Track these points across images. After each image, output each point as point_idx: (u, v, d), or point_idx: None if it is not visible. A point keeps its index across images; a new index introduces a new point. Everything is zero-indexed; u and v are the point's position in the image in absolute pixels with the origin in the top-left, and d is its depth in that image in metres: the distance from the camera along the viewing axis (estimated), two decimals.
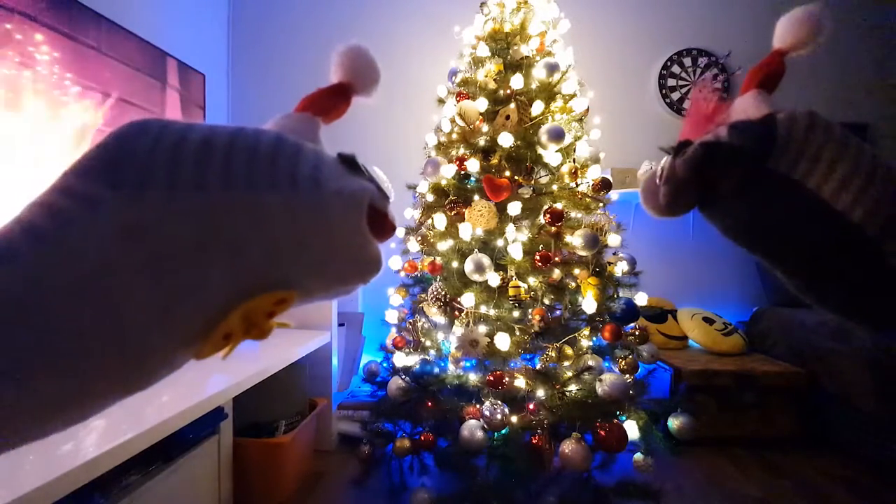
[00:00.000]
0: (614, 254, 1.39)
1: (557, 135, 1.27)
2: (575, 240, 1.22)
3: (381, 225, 0.22)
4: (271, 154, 0.19)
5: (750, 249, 0.27)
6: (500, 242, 1.30)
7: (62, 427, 0.18)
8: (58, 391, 0.16)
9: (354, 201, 0.20)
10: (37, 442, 0.18)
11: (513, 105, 1.38)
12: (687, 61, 2.44)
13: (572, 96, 1.41)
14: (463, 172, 1.36)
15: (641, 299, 1.33)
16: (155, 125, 0.19)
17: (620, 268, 1.34)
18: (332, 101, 0.27)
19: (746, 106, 0.29)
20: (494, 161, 1.35)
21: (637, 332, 1.35)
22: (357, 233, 0.20)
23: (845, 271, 0.25)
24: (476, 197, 1.34)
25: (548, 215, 1.25)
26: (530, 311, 1.23)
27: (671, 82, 2.43)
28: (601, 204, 1.37)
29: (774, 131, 0.25)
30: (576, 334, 1.28)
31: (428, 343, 1.38)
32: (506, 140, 1.30)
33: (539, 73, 1.38)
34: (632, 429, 1.22)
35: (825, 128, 0.25)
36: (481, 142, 1.38)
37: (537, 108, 1.35)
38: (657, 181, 0.29)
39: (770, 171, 0.25)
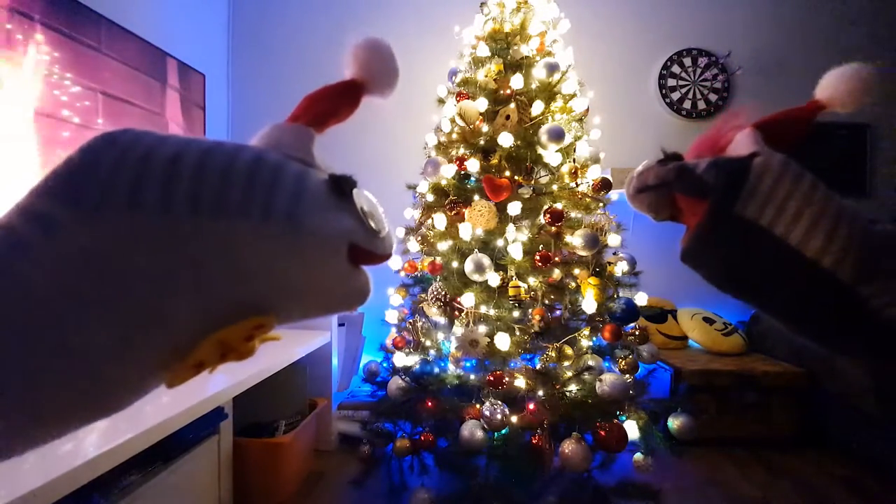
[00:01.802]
0: (614, 254, 1.39)
1: (557, 135, 1.26)
2: (575, 240, 1.22)
3: (368, 258, 0.21)
4: (245, 178, 0.17)
5: (732, 295, 0.28)
6: (500, 242, 1.30)
7: (25, 450, 0.17)
8: (11, 421, 0.15)
9: (330, 247, 0.19)
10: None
11: (513, 105, 1.38)
12: (687, 61, 2.43)
13: (572, 96, 1.41)
14: (463, 172, 1.36)
15: (641, 299, 1.33)
16: (125, 138, 0.17)
17: (620, 268, 1.34)
18: (340, 100, 0.25)
19: (739, 144, 0.30)
20: (494, 161, 1.35)
21: (637, 332, 1.34)
22: (335, 274, 0.19)
23: (825, 316, 0.25)
24: (476, 197, 1.34)
25: (548, 215, 1.25)
26: (530, 311, 1.23)
27: (671, 82, 2.43)
28: (601, 204, 1.37)
29: (747, 175, 0.26)
30: (576, 334, 1.28)
31: (428, 343, 1.38)
32: (506, 140, 1.30)
33: (539, 73, 1.37)
34: (632, 429, 1.21)
35: (795, 177, 0.25)
36: (481, 142, 1.38)
37: (537, 108, 1.35)
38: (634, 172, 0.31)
39: (737, 216, 0.25)
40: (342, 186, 0.20)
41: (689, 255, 0.28)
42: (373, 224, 0.20)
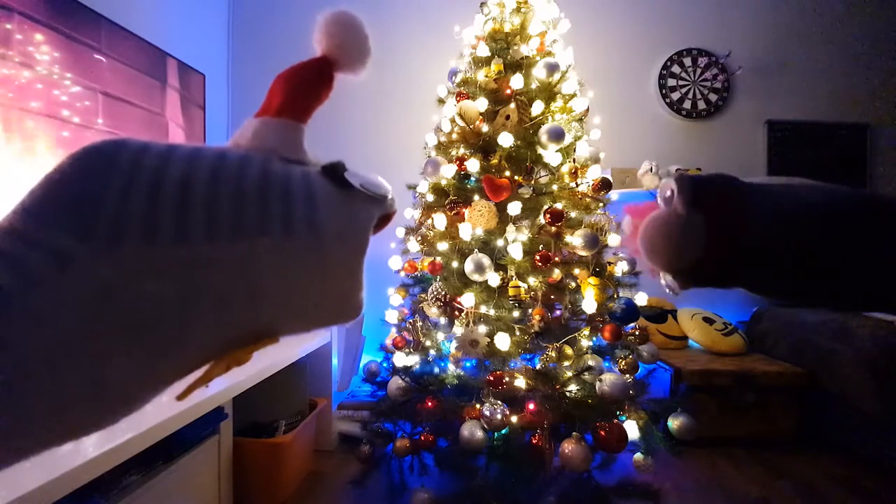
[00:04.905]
0: (614, 254, 1.39)
1: (557, 135, 1.26)
2: (575, 240, 1.22)
3: (382, 222, 0.22)
4: (259, 195, 0.17)
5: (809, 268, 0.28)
6: (500, 242, 1.30)
7: (20, 459, 0.17)
8: (35, 437, 0.16)
9: (357, 243, 0.19)
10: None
11: (513, 105, 1.38)
12: (687, 61, 2.43)
13: (572, 96, 1.41)
14: (463, 172, 1.36)
15: (641, 299, 1.33)
16: (124, 158, 0.17)
17: (620, 268, 1.34)
18: (317, 81, 0.23)
19: (665, 188, 0.33)
20: (494, 161, 1.35)
21: (637, 332, 1.34)
22: (352, 276, 0.20)
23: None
24: (476, 197, 1.34)
25: (548, 215, 1.25)
26: (530, 311, 1.23)
27: (671, 82, 2.43)
28: (601, 204, 1.37)
29: (699, 175, 0.30)
30: (576, 334, 1.28)
31: (428, 343, 1.38)
32: (506, 140, 1.30)
33: (539, 73, 1.37)
34: (632, 429, 1.22)
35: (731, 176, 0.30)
36: (481, 142, 1.38)
37: (537, 108, 1.35)
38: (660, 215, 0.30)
39: (742, 184, 0.29)
40: (338, 174, 0.20)
41: (752, 270, 0.28)
42: (380, 192, 0.21)
